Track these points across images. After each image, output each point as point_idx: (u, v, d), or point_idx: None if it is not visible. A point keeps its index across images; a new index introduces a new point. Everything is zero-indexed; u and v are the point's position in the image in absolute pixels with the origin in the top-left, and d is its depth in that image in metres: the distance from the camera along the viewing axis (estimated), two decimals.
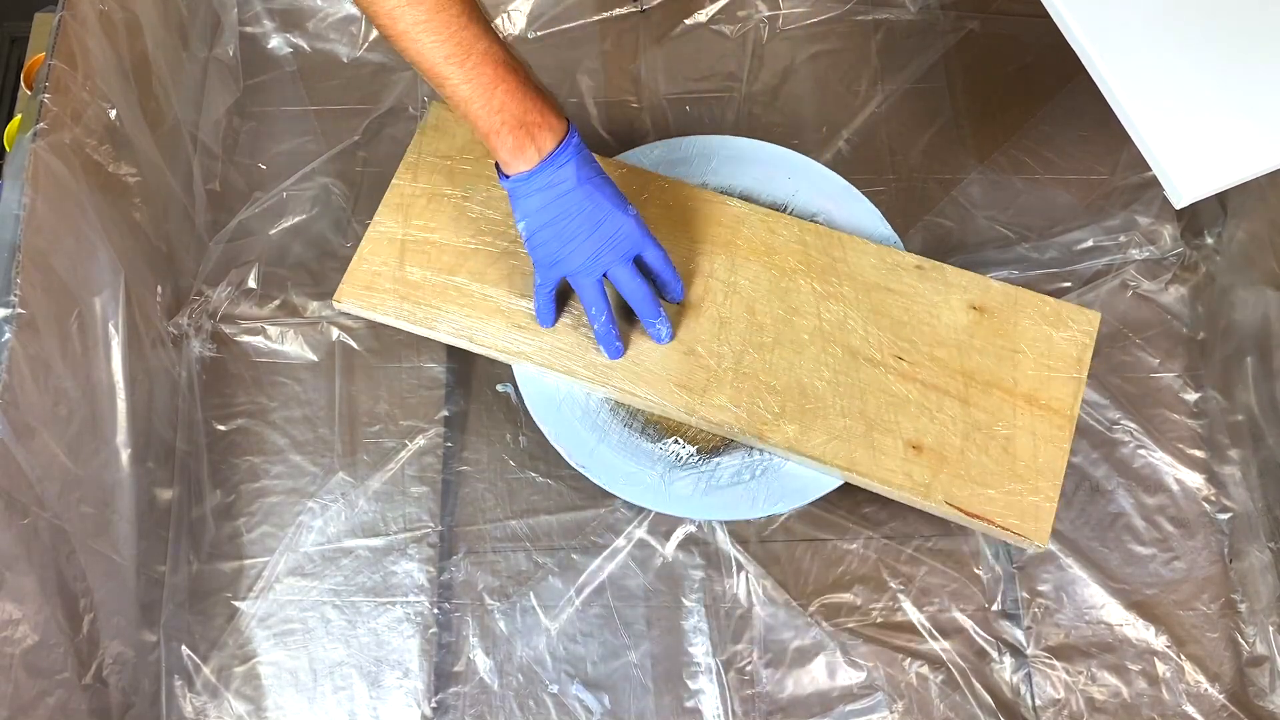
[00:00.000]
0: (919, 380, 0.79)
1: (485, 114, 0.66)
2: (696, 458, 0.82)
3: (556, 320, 0.80)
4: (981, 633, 0.89)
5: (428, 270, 0.83)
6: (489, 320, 0.82)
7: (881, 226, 0.89)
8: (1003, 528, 0.75)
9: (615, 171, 0.87)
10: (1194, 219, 1.02)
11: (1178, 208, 0.64)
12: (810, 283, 0.83)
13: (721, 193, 0.88)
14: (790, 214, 0.89)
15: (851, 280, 0.83)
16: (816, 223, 0.88)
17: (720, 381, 0.80)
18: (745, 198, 0.90)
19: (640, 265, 0.75)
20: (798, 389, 0.80)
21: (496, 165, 0.71)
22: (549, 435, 0.82)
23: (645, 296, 0.75)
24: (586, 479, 0.81)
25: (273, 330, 0.98)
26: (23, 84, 1.04)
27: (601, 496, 0.80)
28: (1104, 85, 0.67)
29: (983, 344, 0.81)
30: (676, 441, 0.83)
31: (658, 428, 0.84)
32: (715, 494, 0.81)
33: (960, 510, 0.76)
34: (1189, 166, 0.64)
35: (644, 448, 0.83)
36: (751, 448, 0.82)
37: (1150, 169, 0.65)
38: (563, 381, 0.82)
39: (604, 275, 0.74)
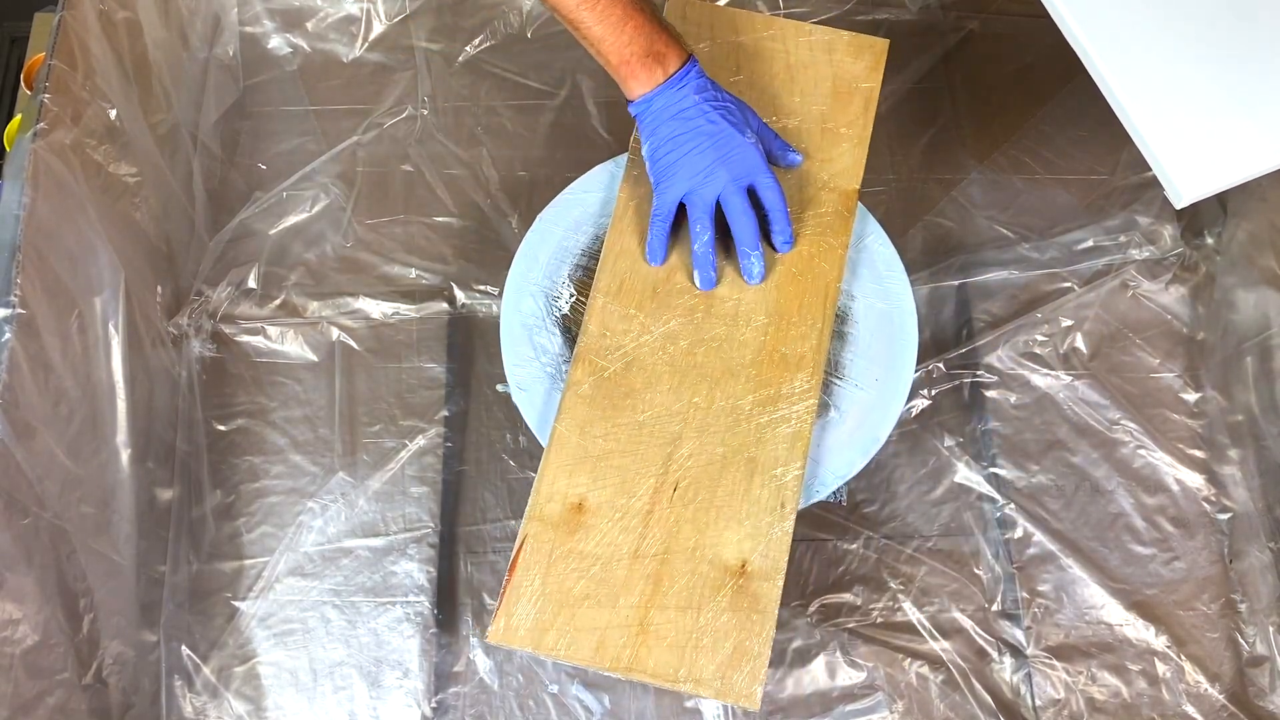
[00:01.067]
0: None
1: (617, 49, 0.72)
2: None
3: (667, 258, 0.80)
4: (981, 633, 0.89)
5: None
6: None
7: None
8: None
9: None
10: (1194, 219, 1.02)
11: (1178, 208, 0.64)
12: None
13: None
14: None
15: (748, 430, 0.73)
16: (858, 391, 0.77)
17: (643, 324, 0.76)
18: None
19: (754, 201, 0.76)
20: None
21: (628, 103, 0.76)
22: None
23: (750, 226, 0.76)
24: None
25: (273, 330, 0.98)
26: (23, 84, 1.04)
27: None
28: (1104, 85, 0.66)
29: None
30: None
31: None
32: None
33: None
34: (1189, 166, 0.64)
35: None
36: None
37: (1150, 169, 0.65)
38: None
39: (716, 203, 0.75)
